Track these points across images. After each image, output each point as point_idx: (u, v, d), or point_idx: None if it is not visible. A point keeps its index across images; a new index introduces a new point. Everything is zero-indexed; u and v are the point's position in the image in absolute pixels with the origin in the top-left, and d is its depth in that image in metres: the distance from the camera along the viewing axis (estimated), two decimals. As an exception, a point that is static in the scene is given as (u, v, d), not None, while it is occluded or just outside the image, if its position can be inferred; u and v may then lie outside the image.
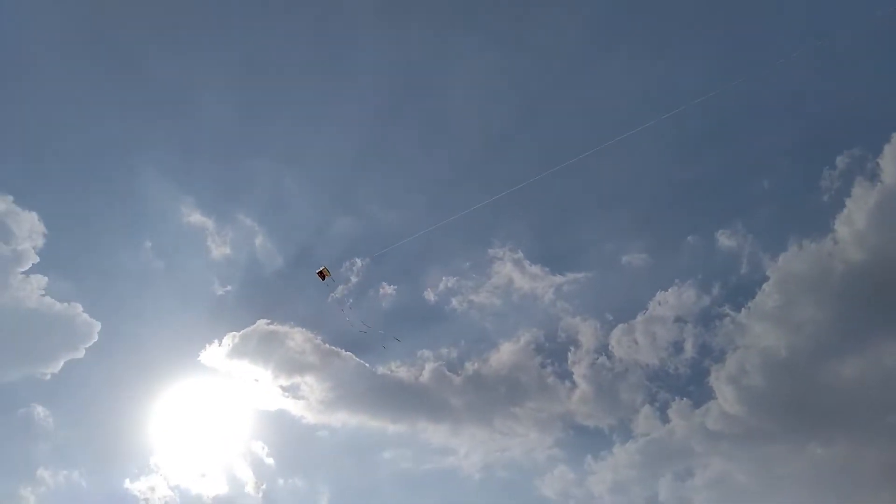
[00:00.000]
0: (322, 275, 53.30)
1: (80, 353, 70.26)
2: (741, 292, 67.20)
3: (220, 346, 72.53)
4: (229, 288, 77.31)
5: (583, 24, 77.29)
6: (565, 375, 71.10)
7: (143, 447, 70.66)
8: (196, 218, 78.52)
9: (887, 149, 61.59)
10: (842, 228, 63.22)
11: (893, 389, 59.22)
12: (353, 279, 77.37)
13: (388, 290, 77.29)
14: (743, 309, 66.27)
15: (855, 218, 62.63)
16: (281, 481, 71.81)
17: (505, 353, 73.17)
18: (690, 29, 75.62)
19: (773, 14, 71.51)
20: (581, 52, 78.28)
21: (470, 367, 73.51)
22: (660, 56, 76.56)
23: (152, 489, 68.57)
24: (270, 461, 71.89)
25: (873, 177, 62.48)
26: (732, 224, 69.89)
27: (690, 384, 67.62)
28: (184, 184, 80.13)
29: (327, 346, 73.38)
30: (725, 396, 64.93)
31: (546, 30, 77.87)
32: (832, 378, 62.85)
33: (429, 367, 73.47)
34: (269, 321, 73.86)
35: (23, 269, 69.90)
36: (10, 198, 69.58)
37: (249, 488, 70.26)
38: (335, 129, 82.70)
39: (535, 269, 74.97)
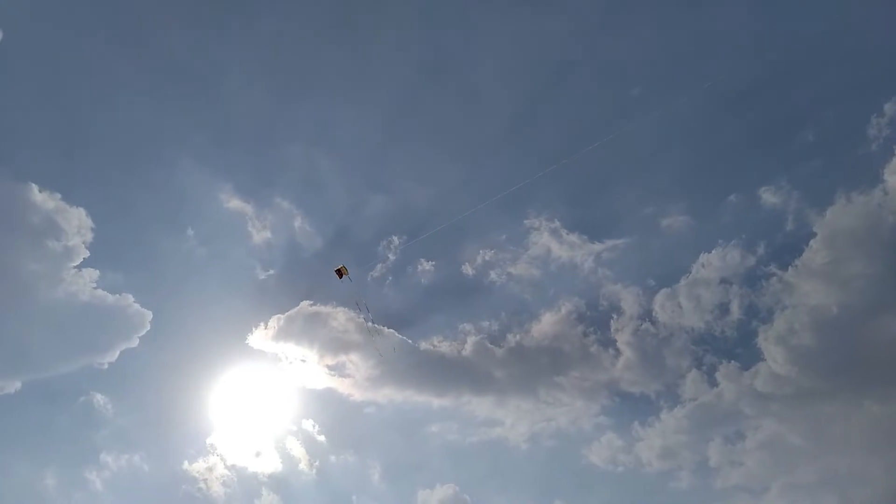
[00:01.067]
0: (340, 273, 53.71)
1: (135, 343, 73.14)
2: (788, 250, 65.74)
3: (266, 328, 74.53)
4: (272, 272, 79.06)
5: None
6: (609, 343, 70.98)
7: (199, 429, 73.47)
8: (235, 204, 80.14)
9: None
10: (892, 178, 60.96)
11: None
12: (391, 257, 78.24)
13: (426, 266, 77.90)
14: (790, 267, 64.87)
15: (906, 167, 60.21)
16: (333, 458, 74.01)
17: (546, 324, 73.23)
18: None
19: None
20: (613, 14, 76.25)
21: (512, 338, 73.93)
22: (696, 12, 74.20)
23: (210, 469, 71.54)
24: (322, 438, 74.07)
25: (925, 122, 59.95)
26: (776, 180, 67.88)
27: (738, 346, 66.69)
28: (221, 171, 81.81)
29: (370, 324, 74.51)
30: (775, 357, 63.98)
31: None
32: (885, 334, 61.08)
33: (471, 340, 74.28)
34: (311, 302, 75.41)
35: (74, 264, 72.53)
36: (59, 195, 71.75)
37: (303, 465, 72.71)
38: (365, 108, 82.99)
39: (573, 237, 74.53)
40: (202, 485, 70.75)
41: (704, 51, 73.79)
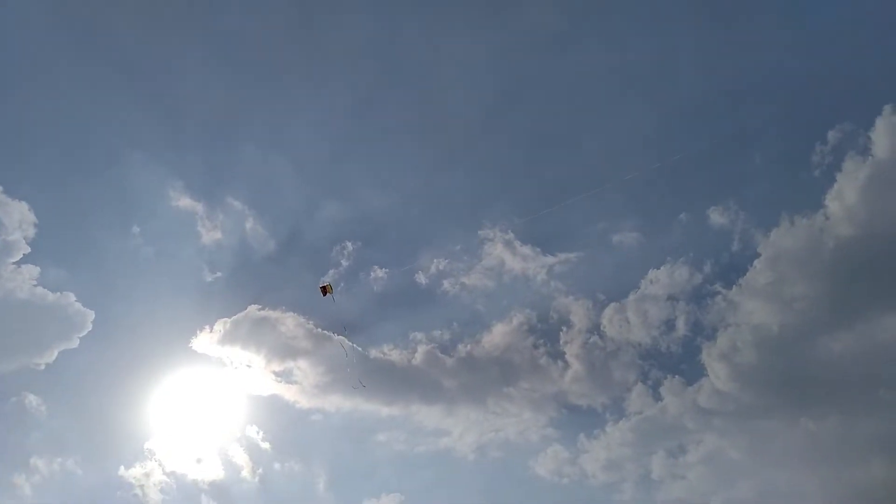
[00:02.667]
0: (325, 290, 52.85)
1: (75, 343, 70.13)
2: (733, 269, 67.19)
3: (211, 332, 72.55)
4: (219, 274, 77.17)
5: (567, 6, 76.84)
6: (558, 355, 71.32)
7: (138, 434, 70.90)
8: (185, 202, 78.10)
9: (879, 122, 61.12)
10: (833, 204, 62.95)
11: (884, 364, 59.43)
12: (344, 263, 77.48)
13: (379, 273, 77.39)
14: (734, 286, 66.27)
15: (846, 193, 62.33)
16: (277, 465, 72.31)
17: (497, 335, 73.30)
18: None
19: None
20: (575, 30, 77.81)
21: (462, 348, 73.73)
22: (651, 33, 75.98)
23: (147, 475, 68.94)
24: (266, 446, 72.31)
25: (864, 151, 62.01)
26: (724, 201, 69.50)
27: (682, 362, 67.86)
28: (172, 168, 79.59)
29: (319, 330, 73.54)
30: (717, 374, 65.14)
31: (531, 11, 77.14)
32: (823, 354, 63.04)
33: (421, 349, 73.74)
34: (260, 306, 73.78)
35: (14, 260, 69.61)
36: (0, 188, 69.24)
37: (246, 473, 70.77)
38: (323, 110, 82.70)
39: (527, 249, 74.81)
40: (138, 491, 68.31)
41: (659, 72, 75.80)
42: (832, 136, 64.50)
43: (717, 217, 69.27)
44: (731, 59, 71.84)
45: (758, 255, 65.38)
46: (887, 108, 60.39)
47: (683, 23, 75.07)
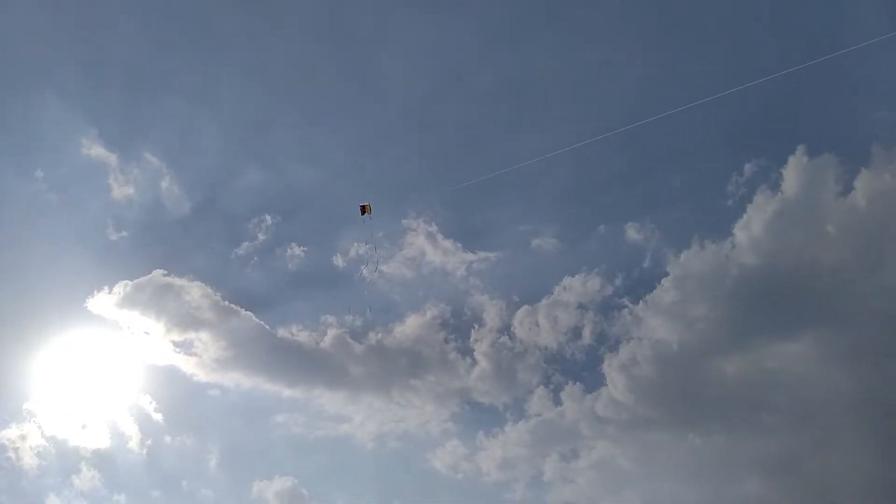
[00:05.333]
0: (364, 209, 50.48)
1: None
2: (642, 285, 69.06)
3: (110, 293, 69.41)
4: (125, 233, 73.67)
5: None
6: (467, 352, 71.69)
7: (16, 393, 66.94)
8: (98, 151, 73.93)
9: (791, 160, 63.98)
10: (740, 233, 65.51)
11: (769, 389, 62.47)
12: (261, 237, 75.30)
13: (296, 251, 75.59)
14: (641, 301, 68.14)
15: (753, 224, 64.99)
16: (168, 438, 69.59)
17: (410, 326, 73.04)
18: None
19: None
20: (513, 30, 78.07)
21: (374, 336, 72.98)
22: (591, 47, 77.06)
23: (23, 437, 65.27)
24: (158, 417, 69.46)
25: (775, 187, 64.96)
26: (642, 218, 71.34)
27: (585, 370, 69.32)
28: (87, 113, 75.22)
29: (226, 303, 71.24)
30: (616, 384, 66.91)
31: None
32: (716, 374, 65.76)
33: (331, 333, 72.53)
34: (165, 272, 71.12)
35: None
36: None
37: (133, 444, 67.78)
38: (257, 72, 79.72)
39: (448, 243, 74.89)
40: (11, 454, 64.52)
41: (599, 81, 77.00)
42: (748, 168, 67.23)
43: (633, 233, 71.27)
44: (666, 83, 73.68)
45: (666, 274, 67.57)
46: (800, 149, 63.60)
47: (629, 43, 76.58)
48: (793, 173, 63.74)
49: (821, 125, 67.75)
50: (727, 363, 65.63)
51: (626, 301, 69.04)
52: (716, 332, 65.55)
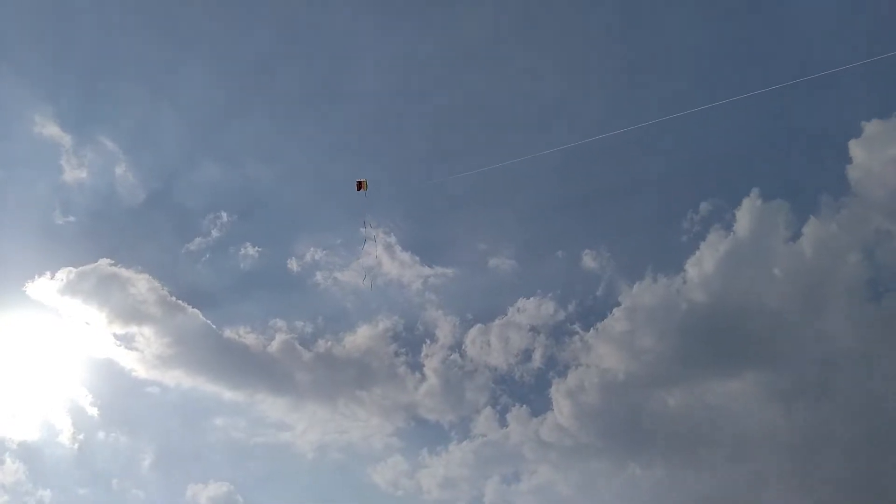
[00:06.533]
0: (360, 185, 49.34)
1: None
2: (593, 313, 69.91)
3: (52, 279, 66.99)
4: (72, 218, 71.43)
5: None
6: (416, 367, 71.26)
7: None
8: (52, 131, 71.91)
9: (745, 202, 65.73)
10: (692, 269, 66.89)
11: (708, 424, 63.57)
12: (215, 233, 73.86)
13: (250, 250, 74.32)
14: (592, 329, 68.81)
15: (705, 262, 66.49)
16: (102, 434, 67.17)
17: (361, 336, 72.36)
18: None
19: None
20: (488, 42, 79.02)
21: (323, 344, 72.08)
22: (561, 71, 78.30)
23: (-58, 424, 62.09)
24: (93, 412, 66.92)
25: (728, 226, 66.57)
26: (598, 246, 72.40)
27: (532, 393, 69.55)
28: (42, 89, 73.35)
29: (174, 298, 69.46)
30: (561, 409, 67.34)
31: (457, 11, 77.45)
32: (657, 406, 66.58)
33: (280, 337, 71.33)
34: (112, 261, 69.14)
35: None
36: None
37: (65, 438, 65.09)
38: (221, 65, 78.64)
39: (406, 256, 74.65)
40: (-72, 442, 61.34)
41: (568, 110, 78.19)
42: (704, 207, 68.80)
43: (588, 261, 72.22)
44: (634, 112, 75.23)
45: (619, 304, 68.59)
46: (755, 191, 65.46)
47: (597, 67, 78.25)
48: (746, 215, 65.62)
49: (777, 170, 70.42)
50: (670, 396, 66.87)
51: (577, 327, 69.92)
52: (661, 364, 66.80)
